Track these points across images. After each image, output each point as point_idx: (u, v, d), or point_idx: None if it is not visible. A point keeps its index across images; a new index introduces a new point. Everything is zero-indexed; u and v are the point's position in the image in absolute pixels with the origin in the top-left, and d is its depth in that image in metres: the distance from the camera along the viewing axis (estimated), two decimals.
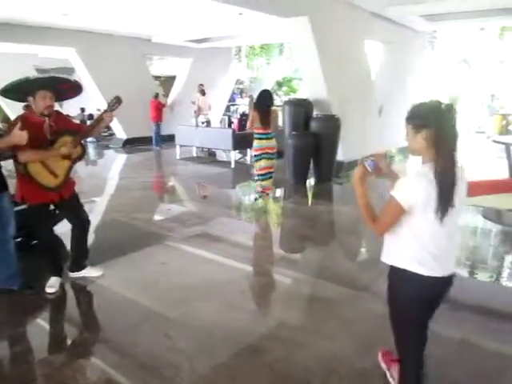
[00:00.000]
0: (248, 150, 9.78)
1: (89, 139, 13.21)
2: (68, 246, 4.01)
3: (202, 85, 12.83)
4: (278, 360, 2.76)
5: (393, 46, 10.92)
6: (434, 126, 1.77)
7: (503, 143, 7.89)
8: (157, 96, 12.67)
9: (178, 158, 10.94)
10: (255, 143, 6.18)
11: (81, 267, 3.96)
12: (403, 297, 2.00)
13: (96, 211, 6.34)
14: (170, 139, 12.05)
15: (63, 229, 4.20)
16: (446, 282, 1.95)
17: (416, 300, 1.96)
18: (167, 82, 17.79)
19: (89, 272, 3.98)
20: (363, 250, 5.17)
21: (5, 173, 3.57)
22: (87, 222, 3.90)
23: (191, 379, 2.59)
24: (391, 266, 2.02)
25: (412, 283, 1.93)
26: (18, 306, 3.56)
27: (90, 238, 4.18)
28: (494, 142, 8.16)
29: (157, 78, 17.57)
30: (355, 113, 8.95)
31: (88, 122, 11.22)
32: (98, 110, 12.81)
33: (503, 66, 18.05)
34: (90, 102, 13.84)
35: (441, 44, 15.09)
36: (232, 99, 17.99)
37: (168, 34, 12.36)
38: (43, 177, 3.47)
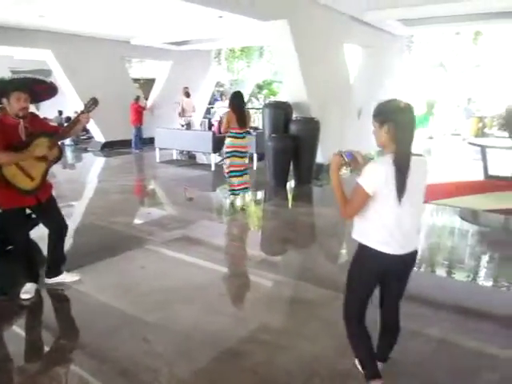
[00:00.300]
0: None
1: (67, 142, 13.02)
2: (44, 251, 3.92)
3: (186, 87, 12.94)
4: (260, 363, 2.75)
5: (371, 49, 11.05)
6: (394, 121, 2.04)
7: (479, 145, 8.08)
8: (138, 99, 12.57)
9: (157, 161, 10.83)
10: (228, 140, 6.32)
11: (57, 273, 3.87)
12: (364, 269, 2.29)
13: (74, 215, 6.24)
14: (151, 142, 11.94)
15: (39, 233, 4.11)
16: (407, 258, 2.22)
17: (374, 273, 2.27)
18: (147, 84, 17.65)
19: (65, 277, 3.89)
20: (344, 251, 5.20)
21: None
22: (65, 227, 3.81)
23: None
24: (359, 243, 2.27)
25: (375, 259, 2.20)
26: None
27: (68, 242, 4.10)
28: (470, 144, 8.33)
29: (136, 80, 17.41)
30: (334, 115, 9.02)
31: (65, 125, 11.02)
32: (76, 112, 12.43)
33: (479, 69, 18.46)
34: (67, 104, 13.64)
35: (418, 48, 15.36)
36: (212, 102, 17.96)
37: (147, 36, 12.24)
38: (19, 180, 3.38)
